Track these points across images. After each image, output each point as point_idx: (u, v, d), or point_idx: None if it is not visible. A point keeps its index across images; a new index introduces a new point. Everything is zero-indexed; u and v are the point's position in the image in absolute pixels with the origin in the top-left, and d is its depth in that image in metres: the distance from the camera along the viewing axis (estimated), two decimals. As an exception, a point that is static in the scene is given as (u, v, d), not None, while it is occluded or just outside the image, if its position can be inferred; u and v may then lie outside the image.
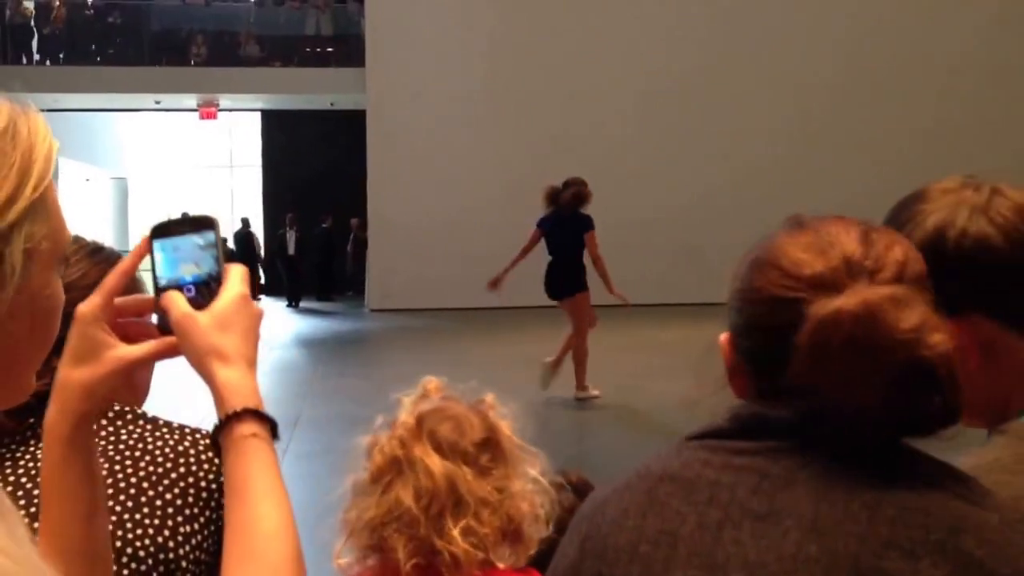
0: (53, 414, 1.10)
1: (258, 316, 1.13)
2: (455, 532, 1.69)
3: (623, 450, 7.72)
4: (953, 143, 18.38)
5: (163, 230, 1.16)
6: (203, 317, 1.08)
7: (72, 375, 1.09)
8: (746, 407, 1.16)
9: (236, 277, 1.13)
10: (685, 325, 15.91)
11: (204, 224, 1.16)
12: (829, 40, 20.02)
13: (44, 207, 0.88)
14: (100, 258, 1.64)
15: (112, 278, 1.13)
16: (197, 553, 1.48)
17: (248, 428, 1.06)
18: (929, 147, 18.16)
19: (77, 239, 1.67)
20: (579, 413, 9.81)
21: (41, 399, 1.52)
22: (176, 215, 1.20)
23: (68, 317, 1.57)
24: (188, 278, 1.13)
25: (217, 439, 1.08)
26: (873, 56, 19.97)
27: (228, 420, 1.06)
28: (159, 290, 1.14)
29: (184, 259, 1.14)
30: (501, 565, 1.73)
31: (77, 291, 1.58)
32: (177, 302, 1.09)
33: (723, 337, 1.23)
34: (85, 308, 1.10)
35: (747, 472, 1.10)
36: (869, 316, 1.04)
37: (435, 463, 1.73)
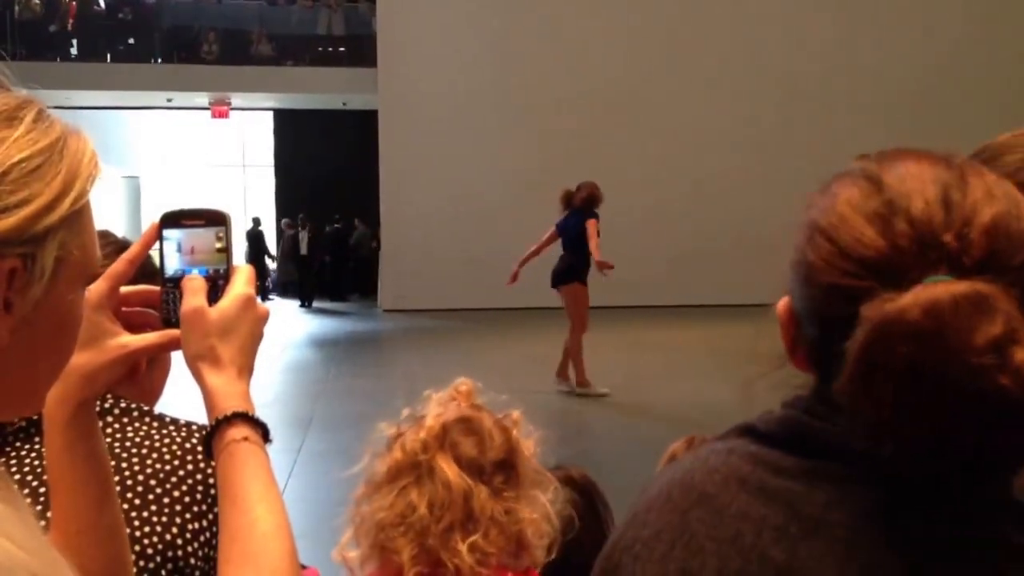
0: (52, 400, 1.10)
1: (262, 319, 1.14)
2: (462, 547, 1.70)
3: (622, 448, 7.78)
4: (947, 138, 18.24)
5: (174, 219, 1.14)
6: (210, 317, 1.10)
7: (73, 360, 1.07)
8: (797, 412, 1.00)
9: (243, 278, 1.14)
10: (678, 327, 16.03)
11: (217, 219, 1.15)
12: (812, 41, 20.05)
13: (80, 222, 0.89)
14: None
15: (119, 265, 1.13)
16: (205, 550, 1.48)
17: (239, 432, 1.07)
18: (919, 144, 18.15)
19: (105, 234, 1.66)
20: (579, 409, 9.89)
21: None
22: (186, 207, 1.20)
23: None
24: (195, 272, 1.13)
25: (209, 443, 1.09)
26: (854, 58, 20.06)
27: (219, 424, 1.08)
28: (166, 280, 1.13)
29: (193, 252, 1.13)
30: None
31: None
32: (196, 291, 1.11)
33: (781, 304, 1.03)
34: (91, 293, 1.10)
35: (779, 503, 0.96)
36: (935, 328, 0.81)
37: (454, 476, 1.73)
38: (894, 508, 0.91)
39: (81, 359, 1.08)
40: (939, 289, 0.82)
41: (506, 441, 1.82)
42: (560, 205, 10.47)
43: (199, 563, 1.46)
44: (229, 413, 1.08)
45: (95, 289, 1.11)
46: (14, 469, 1.48)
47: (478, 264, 19.04)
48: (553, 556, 1.80)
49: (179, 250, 1.14)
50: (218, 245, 1.14)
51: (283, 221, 24.04)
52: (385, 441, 1.83)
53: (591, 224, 10.12)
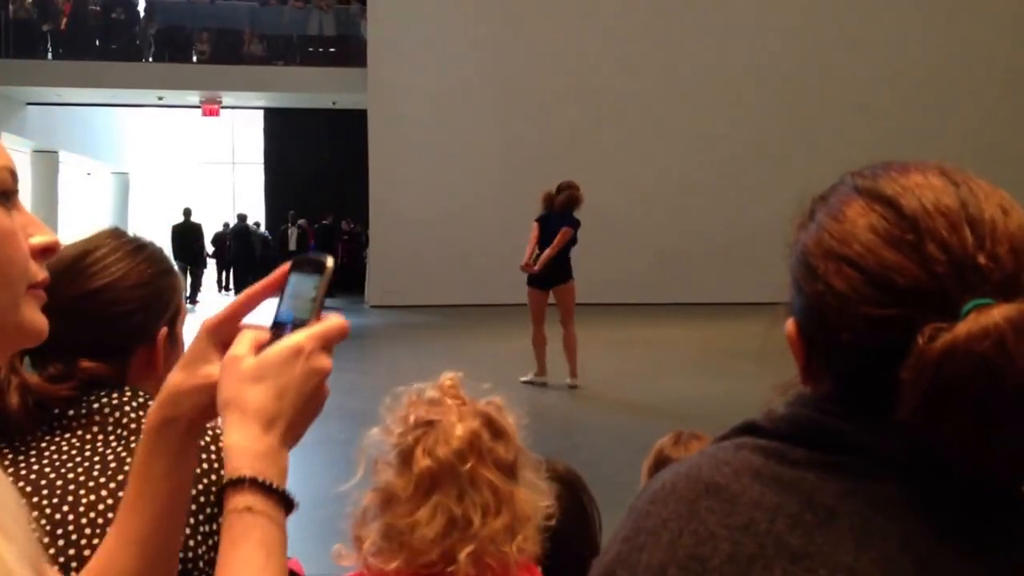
0: (153, 405, 1.09)
1: (314, 372, 1.00)
2: (511, 548, 1.72)
3: (608, 443, 7.78)
4: (930, 136, 18.41)
5: (298, 265, 1.09)
6: (246, 362, 1.00)
7: (171, 377, 1.07)
8: (805, 410, 1.00)
9: (311, 329, 1.02)
10: (664, 324, 16.06)
11: (319, 267, 1.08)
12: (800, 39, 20.06)
13: None
14: (142, 257, 1.65)
15: (241, 298, 1.09)
16: (213, 554, 1.46)
17: (243, 500, 0.95)
18: (904, 141, 18.19)
19: (119, 234, 1.68)
20: (566, 405, 9.89)
21: (64, 399, 1.53)
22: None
23: (115, 318, 1.59)
24: (288, 318, 1.06)
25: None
26: (842, 56, 20.08)
27: (224, 489, 0.97)
28: (273, 324, 1.07)
29: (295, 297, 1.08)
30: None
31: (117, 291, 1.60)
32: (242, 339, 1.03)
33: (789, 327, 1.03)
34: (208, 320, 1.07)
35: (793, 492, 0.96)
36: (1000, 355, 0.83)
37: (496, 478, 1.74)
38: (909, 500, 0.91)
39: (175, 378, 1.06)
40: (995, 315, 0.84)
41: (513, 434, 1.82)
42: (541, 205, 10.59)
43: (206, 568, 1.46)
44: (235, 476, 0.96)
45: (213, 317, 1.08)
46: (33, 460, 1.50)
47: (464, 261, 19.08)
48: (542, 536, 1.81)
49: (289, 295, 1.08)
50: (312, 295, 1.07)
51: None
52: (384, 447, 1.79)
53: (564, 233, 10.23)
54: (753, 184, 19.16)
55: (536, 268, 10.26)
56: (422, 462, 1.72)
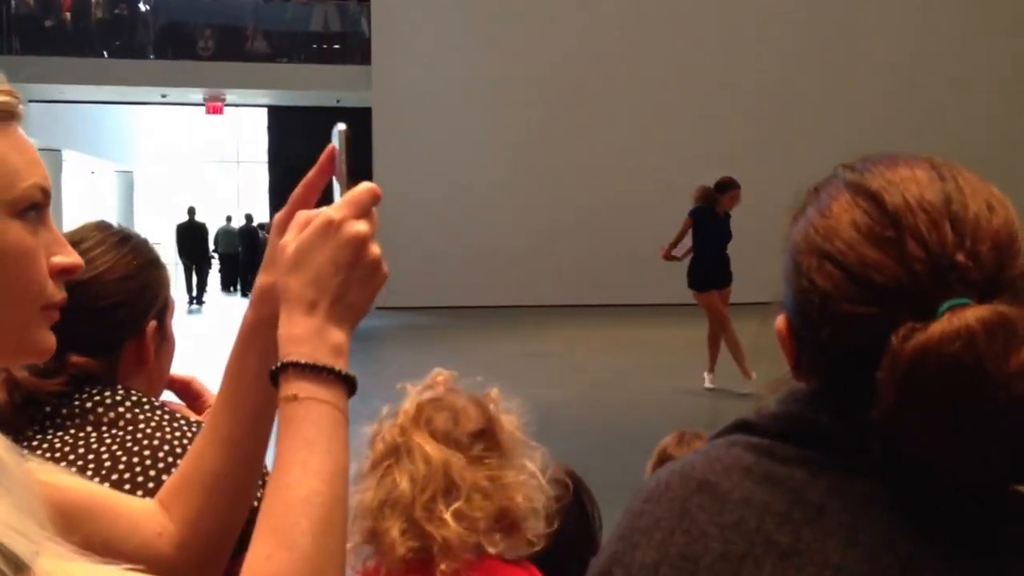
0: (246, 308, 1.11)
1: (345, 243, 0.95)
2: (447, 515, 1.70)
3: (610, 444, 7.82)
4: (929, 130, 18.39)
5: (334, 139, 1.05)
6: (288, 250, 0.97)
7: (258, 279, 1.09)
8: (796, 407, 1.01)
9: (338, 201, 1.00)
10: (668, 324, 16.01)
11: (339, 137, 1.04)
12: (788, 37, 20.05)
13: None
14: (127, 249, 1.64)
15: (299, 188, 1.08)
16: None
17: (289, 389, 0.92)
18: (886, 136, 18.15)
19: (104, 227, 1.67)
20: (568, 406, 9.88)
21: (54, 394, 1.53)
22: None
23: (102, 312, 1.57)
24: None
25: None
26: (827, 54, 20.09)
27: (272, 380, 0.95)
28: None
29: (338, 173, 1.04)
30: (492, 550, 1.74)
31: (103, 285, 1.59)
32: (292, 225, 0.99)
33: (780, 322, 1.04)
34: (279, 214, 1.06)
35: (783, 490, 0.96)
36: (972, 358, 0.83)
37: (431, 448, 1.75)
38: (894, 498, 0.92)
39: (261, 279, 1.07)
40: (968, 316, 0.84)
41: (482, 413, 1.83)
42: (696, 200, 10.79)
43: None
44: (278, 364, 0.93)
45: (280, 213, 1.06)
46: (48, 455, 1.49)
47: (471, 261, 19.04)
48: (555, 526, 1.80)
49: (337, 172, 1.04)
50: (342, 167, 1.03)
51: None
52: (367, 442, 1.83)
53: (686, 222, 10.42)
54: (754, 183, 19.13)
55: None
56: (378, 444, 1.80)
